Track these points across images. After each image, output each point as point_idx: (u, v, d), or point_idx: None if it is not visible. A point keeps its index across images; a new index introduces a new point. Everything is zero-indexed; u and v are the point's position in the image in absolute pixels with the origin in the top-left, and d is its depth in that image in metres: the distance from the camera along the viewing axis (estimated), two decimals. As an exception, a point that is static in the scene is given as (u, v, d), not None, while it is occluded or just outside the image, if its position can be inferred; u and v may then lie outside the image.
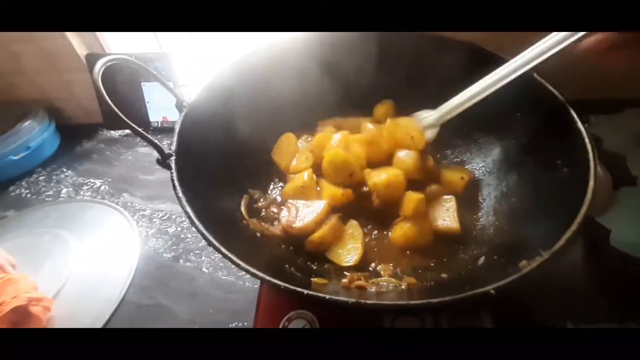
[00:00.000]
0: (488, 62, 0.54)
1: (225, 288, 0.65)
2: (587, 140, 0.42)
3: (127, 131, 1.01)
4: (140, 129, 0.44)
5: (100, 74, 0.42)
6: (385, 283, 0.46)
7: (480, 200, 0.59)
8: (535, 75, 0.51)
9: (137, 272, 0.68)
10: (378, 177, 0.56)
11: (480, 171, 0.63)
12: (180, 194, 0.40)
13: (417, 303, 0.31)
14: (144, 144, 1.02)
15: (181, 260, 0.70)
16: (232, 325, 0.60)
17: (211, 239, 0.36)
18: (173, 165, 0.43)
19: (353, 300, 0.31)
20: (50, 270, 0.69)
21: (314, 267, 0.52)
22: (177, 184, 0.41)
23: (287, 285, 0.33)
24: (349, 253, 0.53)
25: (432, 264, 0.51)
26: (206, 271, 0.68)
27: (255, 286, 0.58)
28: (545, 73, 0.53)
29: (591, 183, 0.38)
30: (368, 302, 0.31)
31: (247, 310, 0.58)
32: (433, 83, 0.59)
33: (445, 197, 0.58)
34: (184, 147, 0.45)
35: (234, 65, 0.58)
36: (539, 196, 0.48)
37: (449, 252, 0.52)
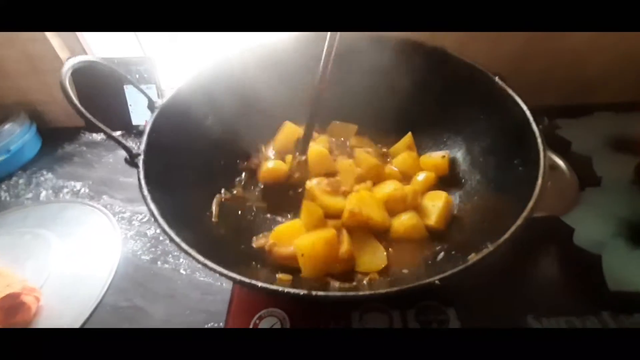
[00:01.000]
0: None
1: (202, 289, 0.66)
2: (539, 140, 0.44)
3: (110, 134, 1.01)
4: (108, 129, 0.45)
5: (68, 77, 0.43)
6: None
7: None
8: (496, 79, 0.53)
9: (116, 273, 0.69)
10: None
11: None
12: (145, 192, 0.41)
13: (366, 294, 0.33)
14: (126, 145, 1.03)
15: (159, 262, 0.70)
16: (208, 325, 0.60)
17: (172, 235, 0.37)
18: (140, 164, 0.44)
19: (304, 292, 0.33)
20: (32, 269, 0.68)
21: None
22: (142, 182, 0.42)
23: (241, 278, 0.34)
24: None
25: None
26: (184, 273, 0.68)
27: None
28: (521, 79, 0.55)
29: (539, 181, 0.40)
30: (319, 294, 0.33)
31: (223, 310, 0.59)
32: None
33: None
34: (154, 148, 0.47)
35: (208, 68, 0.59)
36: (498, 195, 0.50)
37: (414, 249, 0.54)
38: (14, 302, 0.58)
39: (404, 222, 0.56)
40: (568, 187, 0.70)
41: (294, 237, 0.51)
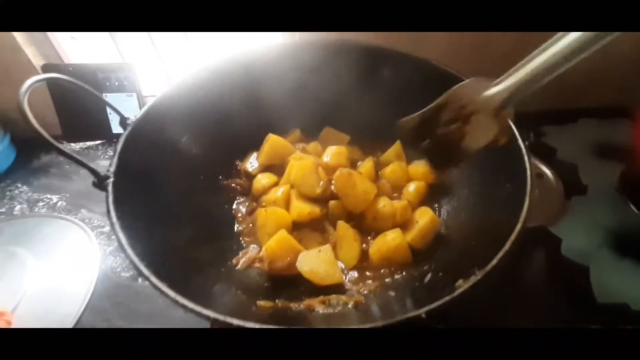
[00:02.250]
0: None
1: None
2: (525, 158, 0.43)
3: (88, 143, 0.98)
4: (67, 150, 0.43)
5: (26, 97, 0.41)
6: (335, 301, 0.46)
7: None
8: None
9: (94, 292, 0.66)
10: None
11: (436, 187, 0.64)
12: (114, 219, 0.38)
13: (352, 328, 0.31)
14: (106, 156, 1.00)
15: (140, 280, 0.68)
16: (191, 346, 0.58)
17: (142, 267, 0.35)
18: (110, 188, 0.41)
19: (282, 327, 0.31)
20: (4, 290, 0.65)
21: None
22: (111, 207, 0.39)
23: (216, 315, 0.32)
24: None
25: (386, 280, 0.51)
26: (166, 291, 0.66)
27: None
28: None
29: (526, 203, 0.39)
30: (298, 329, 0.31)
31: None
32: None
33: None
34: (125, 169, 0.44)
35: (182, 82, 0.57)
36: (485, 211, 0.49)
37: (402, 267, 0.52)
38: (-18, 328, 0.55)
39: (388, 242, 0.54)
40: (554, 195, 0.70)
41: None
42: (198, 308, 0.33)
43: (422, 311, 0.32)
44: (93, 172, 0.43)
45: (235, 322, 0.32)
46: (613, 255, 0.60)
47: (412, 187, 0.62)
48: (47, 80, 0.45)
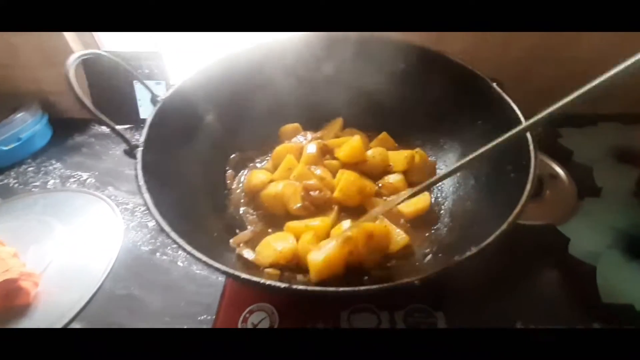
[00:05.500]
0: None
1: (198, 282, 0.67)
2: (531, 147, 0.44)
3: (118, 127, 1.03)
4: (107, 119, 0.47)
5: (73, 68, 0.45)
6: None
7: (440, 203, 0.62)
8: (494, 85, 0.53)
9: (116, 262, 0.70)
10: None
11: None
12: (141, 182, 0.42)
13: (347, 290, 0.33)
14: (133, 140, 1.06)
15: (158, 254, 0.72)
16: (201, 317, 0.61)
17: (164, 225, 0.38)
18: (139, 156, 0.45)
19: (286, 285, 0.34)
20: (35, 254, 0.70)
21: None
22: (139, 173, 0.43)
23: (225, 268, 0.35)
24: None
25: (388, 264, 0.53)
26: (181, 265, 0.70)
27: (226, 280, 0.60)
28: (526, 86, 0.54)
29: (528, 187, 0.41)
30: (299, 287, 0.34)
31: (217, 304, 0.60)
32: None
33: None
34: (153, 141, 0.48)
35: (211, 65, 0.61)
36: (490, 200, 0.50)
37: (407, 253, 0.54)
38: (12, 287, 0.60)
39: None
40: (567, 196, 0.70)
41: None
42: (212, 262, 0.36)
43: (415, 279, 0.34)
44: (125, 140, 0.47)
45: (243, 275, 0.34)
46: (622, 257, 0.60)
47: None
48: (94, 55, 0.49)
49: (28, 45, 0.95)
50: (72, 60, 0.46)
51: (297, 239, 0.54)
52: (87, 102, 0.45)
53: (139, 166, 0.44)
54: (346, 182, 0.58)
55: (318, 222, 0.56)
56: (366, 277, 0.49)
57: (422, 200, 0.60)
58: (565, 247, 0.62)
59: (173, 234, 0.37)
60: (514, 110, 0.51)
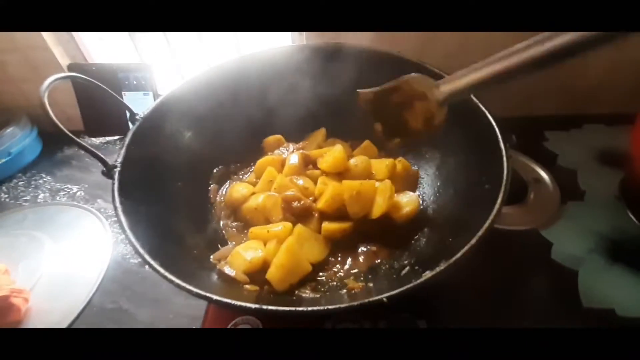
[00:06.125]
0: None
1: (186, 294, 0.67)
2: (505, 162, 0.45)
3: (108, 138, 1.04)
4: (82, 142, 0.48)
5: (46, 94, 0.46)
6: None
7: (421, 211, 0.62)
8: (471, 96, 0.54)
9: (105, 276, 0.71)
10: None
11: (425, 182, 0.67)
12: (117, 204, 0.43)
13: (314, 310, 0.34)
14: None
15: (146, 267, 0.72)
16: (189, 329, 0.62)
17: (137, 246, 0.39)
18: (116, 177, 0.46)
19: (256, 306, 0.34)
20: (25, 269, 0.71)
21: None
22: (115, 194, 0.44)
23: (197, 290, 0.36)
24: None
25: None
26: (170, 277, 0.70)
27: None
28: (512, 89, 0.54)
29: (498, 202, 0.41)
30: (269, 307, 0.34)
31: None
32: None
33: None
34: (132, 160, 0.48)
35: (189, 82, 0.61)
36: (466, 210, 0.51)
37: (388, 261, 0.55)
38: (3, 304, 0.60)
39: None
40: (550, 200, 0.70)
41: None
42: (189, 287, 0.37)
43: (384, 296, 0.35)
44: (102, 161, 0.48)
45: (215, 297, 0.35)
46: (603, 261, 0.60)
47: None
48: (69, 78, 0.50)
49: (14, 60, 0.95)
50: (45, 86, 0.46)
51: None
52: (61, 126, 0.46)
53: (116, 187, 0.45)
54: (332, 194, 0.59)
55: (280, 228, 0.57)
56: (344, 291, 0.49)
57: (411, 203, 0.61)
58: (548, 251, 0.62)
59: (147, 257, 0.38)
60: (487, 117, 0.51)
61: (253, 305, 0.34)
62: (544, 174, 0.74)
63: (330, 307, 0.34)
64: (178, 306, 0.65)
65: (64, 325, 0.64)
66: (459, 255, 0.37)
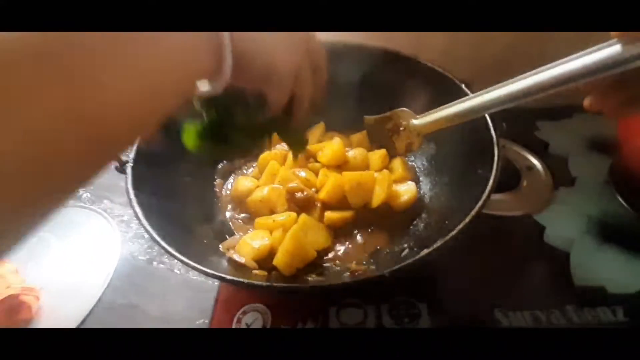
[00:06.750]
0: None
1: (195, 287, 0.69)
2: (495, 148, 0.47)
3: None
4: None
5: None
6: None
7: (419, 199, 0.65)
8: (463, 87, 0.56)
9: (115, 273, 0.73)
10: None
11: (421, 172, 0.70)
12: (132, 196, 0.45)
13: (320, 285, 0.36)
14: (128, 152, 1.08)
15: (155, 263, 0.74)
16: (199, 322, 0.64)
17: (153, 234, 0.41)
18: (128, 171, 0.48)
19: (267, 283, 0.37)
20: (33, 269, 0.73)
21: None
22: (129, 187, 0.46)
23: (212, 272, 0.38)
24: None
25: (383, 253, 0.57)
26: (178, 272, 0.72)
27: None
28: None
29: (490, 182, 0.44)
30: (279, 284, 0.37)
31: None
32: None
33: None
34: (143, 155, 0.51)
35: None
36: (461, 197, 0.53)
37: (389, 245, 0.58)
38: (14, 303, 0.62)
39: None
40: (543, 186, 0.73)
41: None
42: (195, 265, 0.39)
43: (385, 272, 0.37)
44: (116, 157, 0.50)
45: (229, 277, 0.37)
46: (594, 242, 0.63)
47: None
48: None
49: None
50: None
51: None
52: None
53: (129, 181, 0.47)
54: (333, 185, 0.62)
55: (285, 217, 0.59)
56: (347, 274, 0.52)
57: (409, 191, 0.64)
58: (540, 235, 0.65)
59: (162, 243, 0.40)
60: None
61: (264, 283, 0.36)
62: (536, 162, 0.77)
63: (335, 282, 0.36)
64: (187, 299, 0.67)
65: (77, 321, 0.66)
66: (454, 232, 0.40)
